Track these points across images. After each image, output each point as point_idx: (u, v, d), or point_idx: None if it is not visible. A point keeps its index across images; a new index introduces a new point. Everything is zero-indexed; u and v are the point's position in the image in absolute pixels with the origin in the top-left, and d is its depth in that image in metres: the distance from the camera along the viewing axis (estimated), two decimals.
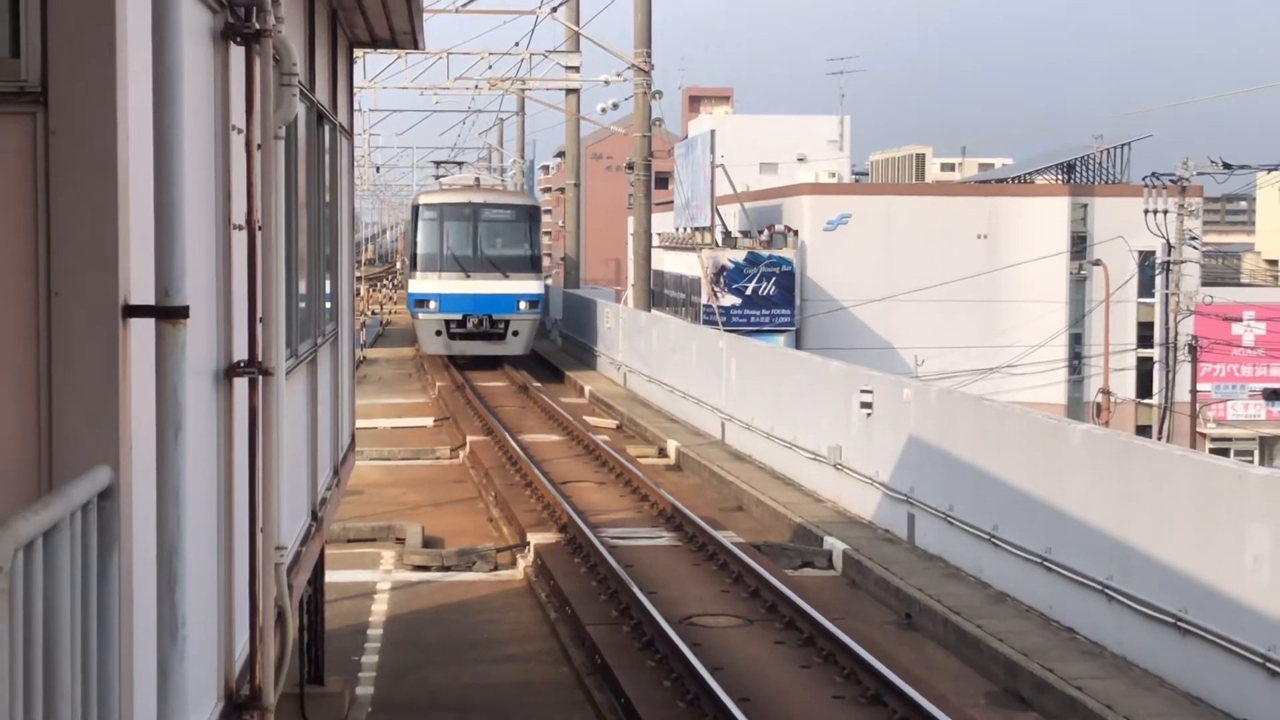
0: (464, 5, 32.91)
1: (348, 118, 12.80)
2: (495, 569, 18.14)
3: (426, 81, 39.16)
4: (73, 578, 3.03)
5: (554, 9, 32.67)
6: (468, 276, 38.75)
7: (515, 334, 39.27)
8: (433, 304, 39.09)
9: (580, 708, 12.99)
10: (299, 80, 6.83)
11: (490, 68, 38.30)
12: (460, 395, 34.35)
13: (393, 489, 22.91)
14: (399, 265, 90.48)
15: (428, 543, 19.20)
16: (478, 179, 47.65)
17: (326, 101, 10.48)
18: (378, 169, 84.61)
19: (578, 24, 32.41)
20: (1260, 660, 11.66)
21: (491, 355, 39.59)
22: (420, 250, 40.03)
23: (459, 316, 38.87)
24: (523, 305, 39.23)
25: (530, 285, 39.66)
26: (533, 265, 39.92)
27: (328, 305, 10.85)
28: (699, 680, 12.29)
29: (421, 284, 39.66)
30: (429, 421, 30.78)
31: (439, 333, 39.15)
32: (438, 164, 66.89)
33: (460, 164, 66.42)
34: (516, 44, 38.61)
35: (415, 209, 40.99)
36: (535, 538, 18.59)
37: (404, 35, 13.01)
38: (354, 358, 14.95)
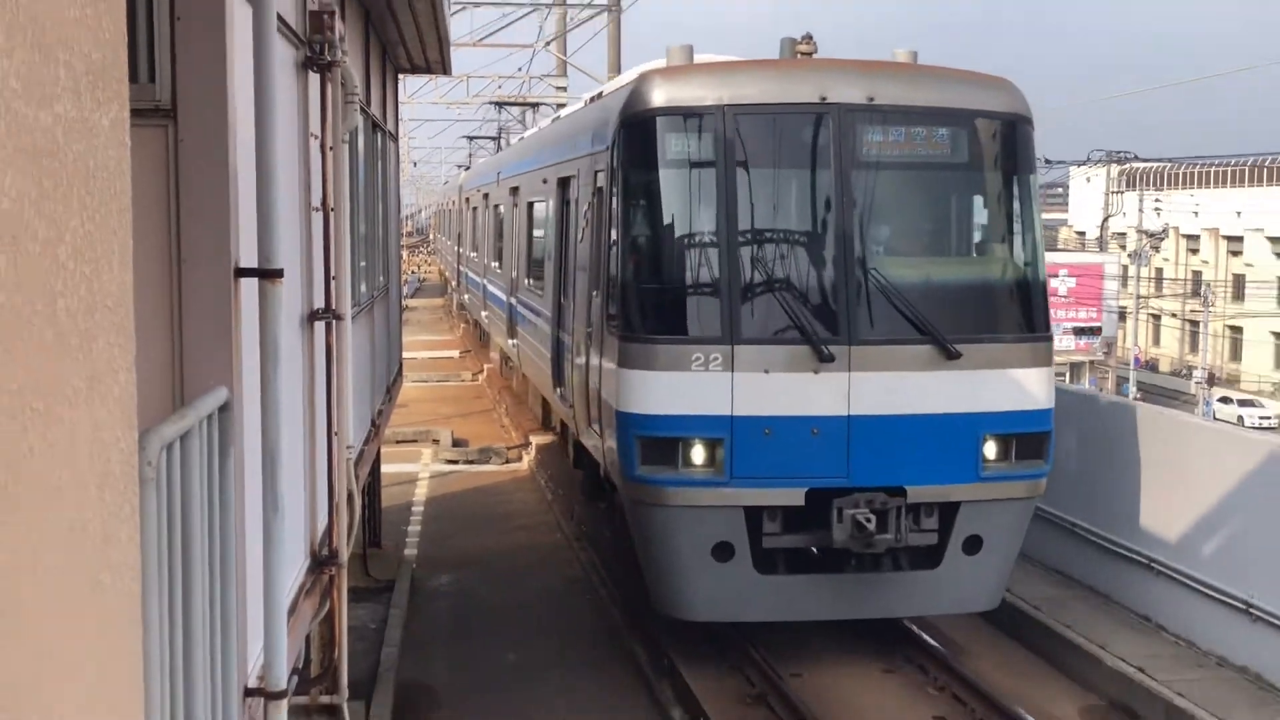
0: (480, 41, 32.57)
1: (394, 126, 12.74)
2: (506, 462, 18.20)
3: (451, 98, 38.39)
4: (201, 469, 3.08)
5: (546, 44, 32.39)
6: (823, 357, 7.62)
7: (973, 546, 8.17)
8: (700, 453, 7.49)
9: (570, 564, 13.11)
10: (359, 98, 6.81)
11: (500, 87, 37.72)
12: None
13: (430, 403, 22.89)
14: (431, 238, 70.36)
15: (456, 443, 19.23)
16: (806, 40, 8.30)
17: (379, 114, 10.42)
18: (414, 164, 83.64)
19: (565, 55, 32.17)
20: (1069, 526, 11.86)
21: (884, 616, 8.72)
22: (644, 266, 8.05)
23: (800, 494, 7.65)
24: (994, 449, 8.19)
25: (1033, 378, 8.37)
26: (1028, 309, 8.58)
27: (381, 266, 10.83)
28: None
29: (653, 384, 7.51)
30: (456, 354, 30.73)
31: (725, 552, 7.64)
32: (499, 105, 33.09)
33: (535, 105, 31.60)
34: (519, 69, 37.80)
35: (622, 130, 8.03)
36: (535, 439, 18.63)
37: (435, 63, 13.00)
38: (400, 306, 14.90)
